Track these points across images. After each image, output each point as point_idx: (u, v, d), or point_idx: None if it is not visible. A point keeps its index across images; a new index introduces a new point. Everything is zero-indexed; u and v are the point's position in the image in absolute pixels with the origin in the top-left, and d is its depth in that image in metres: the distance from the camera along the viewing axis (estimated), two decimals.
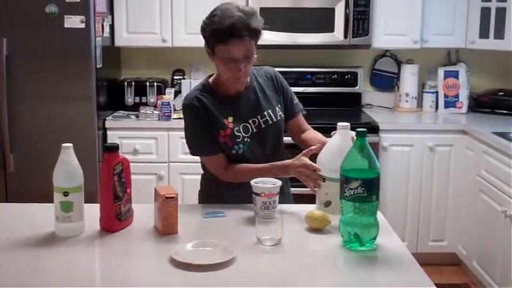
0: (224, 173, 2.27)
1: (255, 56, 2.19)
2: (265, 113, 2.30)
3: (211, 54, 2.20)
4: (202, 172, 2.43)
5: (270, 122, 2.30)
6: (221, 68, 2.20)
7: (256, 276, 1.67)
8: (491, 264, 3.39)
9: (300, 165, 2.10)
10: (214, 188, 2.36)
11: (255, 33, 2.14)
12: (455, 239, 3.90)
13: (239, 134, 2.25)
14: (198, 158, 3.71)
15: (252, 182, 2.06)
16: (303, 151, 2.16)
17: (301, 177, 2.11)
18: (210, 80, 2.33)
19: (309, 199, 2.14)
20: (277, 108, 2.33)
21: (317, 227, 1.96)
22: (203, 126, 2.25)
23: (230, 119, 2.26)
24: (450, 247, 3.93)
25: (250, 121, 2.27)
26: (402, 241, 2.00)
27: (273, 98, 2.34)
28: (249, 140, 2.26)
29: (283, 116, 2.35)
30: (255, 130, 2.28)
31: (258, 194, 2.04)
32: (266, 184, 2.05)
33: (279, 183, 2.07)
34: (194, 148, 2.31)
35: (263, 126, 2.29)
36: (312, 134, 2.38)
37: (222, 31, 2.10)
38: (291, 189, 2.44)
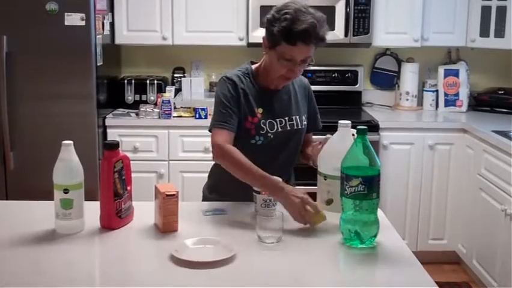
0: (221, 148, 2.13)
1: (312, 62, 2.21)
2: (293, 117, 2.30)
3: (269, 48, 2.17)
4: (213, 164, 2.38)
5: (295, 127, 2.30)
6: (275, 65, 2.17)
7: (256, 274, 1.67)
8: (491, 262, 3.39)
9: (299, 201, 1.95)
10: (220, 183, 2.34)
11: (321, 41, 2.14)
12: (455, 237, 3.90)
13: (264, 127, 2.24)
14: (198, 156, 3.76)
15: None
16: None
17: (293, 212, 1.96)
18: (253, 67, 2.32)
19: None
20: (303, 117, 2.34)
21: (312, 222, 1.94)
22: (234, 100, 2.20)
23: (260, 110, 2.25)
24: (450, 245, 3.94)
25: (277, 120, 2.27)
26: (402, 239, 2.00)
27: (302, 106, 2.35)
28: (271, 136, 2.25)
29: (306, 126, 2.35)
30: (280, 129, 2.27)
31: (258, 192, 2.04)
32: None
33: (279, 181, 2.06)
34: (213, 120, 2.21)
35: (288, 128, 2.28)
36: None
37: (293, 33, 2.08)
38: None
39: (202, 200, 2.41)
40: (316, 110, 2.44)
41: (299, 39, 2.08)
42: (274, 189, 2.02)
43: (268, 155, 2.23)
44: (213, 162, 2.35)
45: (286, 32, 2.09)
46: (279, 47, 2.13)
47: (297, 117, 2.31)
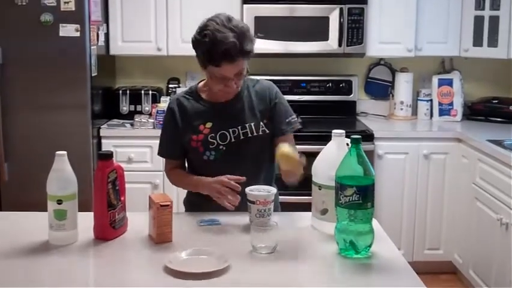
0: (168, 173, 2.38)
1: (247, 71, 2.20)
2: (247, 125, 2.27)
3: (202, 67, 2.20)
4: None
5: (250, 135, 2.26)
6: (211, 82, 2.21)
7: (251, 285, 1.66)
8: (487, 272, 3.38)
9: (214, 181, 2.13)
10: (194, 195, 2.34)
11: (248, 55, 2.14)
12: (451, 247, 3.90)
13: (213, 141, 2.24)
14: None
15: (247, 189, 2.04)
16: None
17: (213, 193, 2.14)
18: (200, 84, 2.35)
19: (299, 208, 2.14)
20: (261, 123, 2.28)
21: (288, 168, 2.01)
22: (170, 129, 2.32)
23: (208, 124, 2.25)
24: (446, 255, 3.93)
25: (230, 130, 2.26)
26: (398, 249, 1.99)
27: (260, 112, 2.30)
28: (224, 148, 2.25)
29: (268, 132, 2.29)
30: (233, 140, 2.25)
31: (252, 202, 2.03)
32: (261, 192, 2.04)
33: (273, 191, 2.06)
34: (159, 149, 2.39)
35: (242, 137, 2.26)
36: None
37: (215, 56, 2.09)
38: (280, 197, 2.40)
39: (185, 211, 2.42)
40: (285, 111, 2.33)
41: (222, 60, 2.09)
42: (202, 186, 2.20)
43: (225, 167, 2.19)
44: None
45: (208, 55, 2.11)
46: (208, 68, 2.16)
47: (252, 124, 2.27)
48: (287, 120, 2.33)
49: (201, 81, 2.37)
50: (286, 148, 2.01)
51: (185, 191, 2.44)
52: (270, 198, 2.03)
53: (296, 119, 2.37)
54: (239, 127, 2.26)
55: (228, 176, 2.13)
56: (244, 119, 2.27)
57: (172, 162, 2.37)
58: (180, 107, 2.30)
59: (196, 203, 2.33)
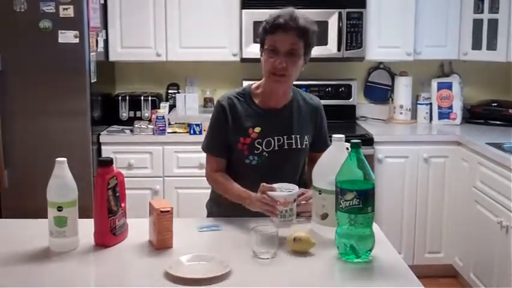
0: (210, 175, 2.33)
1: (303, 64, 2.23)
2: (293, 136, 2.29)
3: (261, 52, 2.24)
4: None
5: (294, 147, 2.29)
6: (265, 63, 2.22)
7: None
8: (488, 275, 3.38)
9: (257, 199, 2.10)
10: (224, 197, 2.33)
11: (302, 32, 2.18)
12: (451, 250, 3.89)
13: (259, 146, 2.25)
14: (192, 172, 3.75)
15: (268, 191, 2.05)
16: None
17: (260, 209, 2.10)
18: (253, 86, 2.35)
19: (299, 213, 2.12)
20: (306, 137, 2.32)
21: (301, 250, 1.89)
22: (220, 125, 2.29)
23: (257, 129, 2.26)
24: (446, 259, 3.93)
25: (275, 137, 2.27)
26: (398, 253, 1.99)
27: (306, 126, 2.33)
28: (266, 155, 2.26)
29: (308, 147, 2.34)
30: (276, 148, 2.27)
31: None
32: (282, 192, 2.02)
33: (295, 190, 2.04)
34: (203, 143, 2.37)
35: (286, 147, 2.28)
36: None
37: (273, 23, 2.18)
38: None
39: (207, 216, 2.41)
40: (325, 132, 2.41)
41: (278, 27, 2.16)
42: (248, 203, 2.15)
43: (263, 174, 2.20)
44: None
45: (268, 24, 2.20)
46: (265, 43, 2.20)
47: (298, 136, 2.30)
48: (327, 138, 2.39)
49: (254, 83, 2.37)
50: (301, 234, 1.92)
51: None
52: (291, 198, 2.01)
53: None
54: (285, 136, 2.28)
55: (264, 186, 2.10)
56: (292, 129, 2.30)
57: (215, 162, 2.32)
58: (232, 106, 2.29)
59: (222, 203, 2.32)
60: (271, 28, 2.18)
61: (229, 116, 2.27)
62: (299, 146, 2.30)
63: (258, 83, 2.35)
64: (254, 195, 2.13)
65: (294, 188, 2.05)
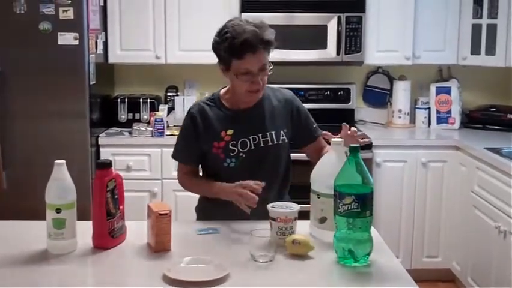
0: (181, 178, 2.36)
1: (271, 67, 2.21)
2: (268, 133, 2.29)
3: (225, 71, 2.22)
4: None
5: (270, 143, 2.29)
6: (237, 83, 2.21)
7: None
8: (485, 279, 3.38)
9: (235, 185, 2.11)
10: (209, 204, 2.35)
11: (268, 45, 2.17)
12: (449, 254, 3.90)
13: (234, 148, 2.25)
14: None
15: (269, 206, 1.99)
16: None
17: (233, 197, 2.11)
18: (222, 91, 2.35)
19: (298, 216, 2.12)
20: (282, 131, 2.31)
21: (299, 253, 1.89)
22: (189, 134, 2.30)
23: (230, 131, 2.26)
24: (444, 263, 3.93)
25: (250, 137, 2.27)
26: (396, 257, 1.99)
27: (280, 121, 2.33)
28: (244, 155, 2.26)
29: (287, 141, 2.33)
30: (253, 147, 2.27)
31: (274, 219, 1.97)
32: (283, 208, 1.98)
33: (296, 208, 2.00)
34: (173, 151, 2.38)
35: (262, 145, 2.28)
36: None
37: (236, 47, 2.12)
38: None
39: (197, 219, 2.41)
40: (307, 119, 2.40)
41: (245, 50, 2.12)
42: (220, 192, 2.19)
43: (243, 175, 2.18)
44: None
45: (230, 49, 2.14)
46: (232, 66, 2.17)
47: (273, 132, 2.29)
48: (314, 126, 2.40)
49: (222, 88, 2.37)
50: (300, 237, 1.92)
51: (191, 200, 2.44)
52: (292, 215, 1.97)
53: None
54: (260, 135, 2.28)
55: (249, 181, 2.12)
56: (265, 127, 2.30)
57: (186, 167, 2.36)
58: (202, 113, 2.29)
59: (209, 210, 2.34)
60: (238, 53, 2.13)
61: (200, 123, 2.28)
62: (275, 142, 2.30)
63: (226, 88, 2.34)
64: (232, 184, 2.14)
65: (295, 206, 2.02)
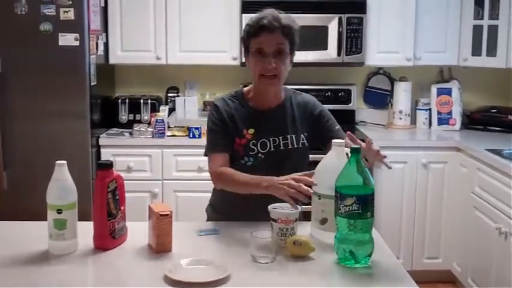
0: (216, 171, 2.22)
1: (290, 63, 2.24)
2: (288, 136, 2.29)
3: (247, 57, 2.25)
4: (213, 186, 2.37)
5: (290, 147, 2.29)
6: (252, 65, 2.23)
7: None
8: (486, 281, 3.38)
9: (286, 177, 2.01)
10: (224, 203, 2.33)
11: (286, 30, 2.19)
12: (449, 256, 3.89)
13: (254, 147, 2.25)
14: (192, 175, 3.75)
15: (270, 207, 1.98)
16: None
17: (283, 190, 1.97)
18: (245, 89, 2.36)
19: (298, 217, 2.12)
20: (302, 135, 2.31)
21: (300, 254, 1.89)
22: (219, 123, 2.27)
23: (251, 131, 2.26)
24: (445, 264, 3.93)
25: (270, 139, 2.27)
26: (397, 258, 1.99)
27: (301, 124, 2.33)
28: (263, 156, 2.25)
29: (307, 145, 2.32)
30: (272, 149, 2.26)
31: (274, 220, 1.96)
32: (284, 209, 1.97)
33: (297, 209, 1.99)
34: (206, 149, 2.30)
35: (281, 148, 2.27)
36: None
37: (256, 26, 2.19)
38: None
39: (207, 220, 2.40)
40: (332, 125, 2.36)
41: (262, 29, 2.18)
42: (270, 183, 2.03)
43: (264, 175, 2.16)
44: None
45: (250, 28, 2.21)
46: (250, 47, 2.21)
47: (293, 136, 2.30)
48: (336, 128, 2.36)
49: (245, 86, 2.38)
50: (301, 238, 1.91)
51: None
52: (293, 217, 1.96)
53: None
54: (280, 137, 2.28)
55: (290, 176, 2.02)
56: (286, 129, 2.30)
57: (221, 158, 2.24)
58: (227, 106, 2.29)
59: (221, 210, 2.33)
60: (256, 30, 2.19)
61: (225, 115, 2.27)
62: (295, 146, 2.30)
63: (249, 87, 2.35)
64: (277, 178, 2.03)
65: (296, 208, 2.00)
